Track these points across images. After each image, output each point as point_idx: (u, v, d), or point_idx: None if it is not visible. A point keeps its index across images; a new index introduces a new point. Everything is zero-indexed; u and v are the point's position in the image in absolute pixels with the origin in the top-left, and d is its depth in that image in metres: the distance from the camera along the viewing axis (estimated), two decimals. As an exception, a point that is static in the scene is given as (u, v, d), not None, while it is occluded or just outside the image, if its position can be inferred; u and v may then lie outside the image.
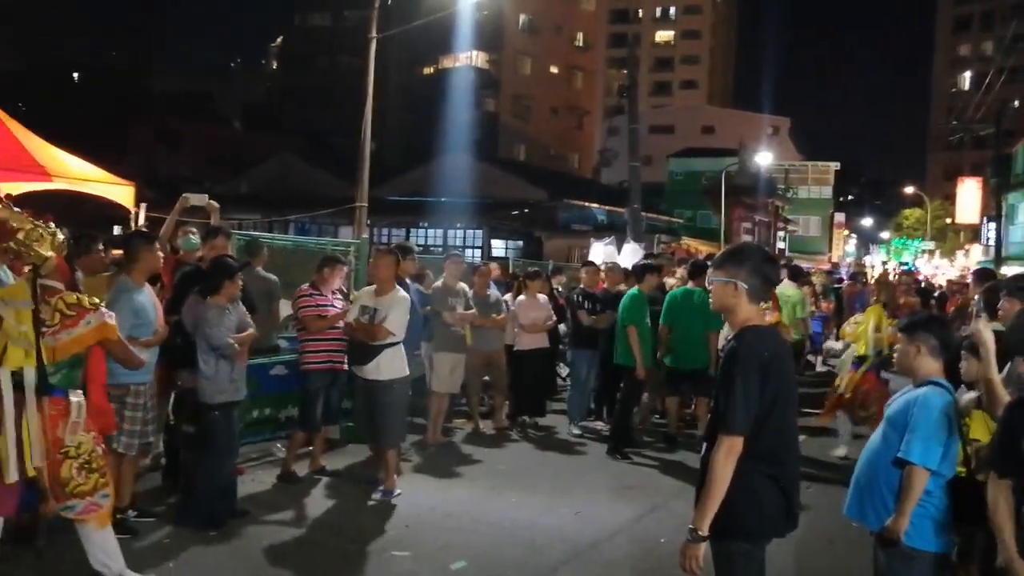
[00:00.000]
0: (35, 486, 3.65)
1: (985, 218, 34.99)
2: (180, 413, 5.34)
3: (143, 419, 4.64)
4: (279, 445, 6.43)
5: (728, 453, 2.61)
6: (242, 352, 4.98)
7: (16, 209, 3.77)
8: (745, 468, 2.62)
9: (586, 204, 28.44)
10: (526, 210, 25.77)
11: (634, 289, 7.59)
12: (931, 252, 38.80)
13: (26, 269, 3.77)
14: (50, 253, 3.70)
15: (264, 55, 73.39)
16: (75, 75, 44.00)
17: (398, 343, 5.59)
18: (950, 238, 45.60)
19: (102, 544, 3.84)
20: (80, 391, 3.74)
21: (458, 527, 5.13)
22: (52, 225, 3.81)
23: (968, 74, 58.87)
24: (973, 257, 34.92)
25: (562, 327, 8.86)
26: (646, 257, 11.26)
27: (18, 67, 41.00)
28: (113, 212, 8.46)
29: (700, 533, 2.63)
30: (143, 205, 7.54)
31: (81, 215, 10.50)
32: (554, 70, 49.34)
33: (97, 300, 3.82)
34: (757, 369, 2.65)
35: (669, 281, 8.83)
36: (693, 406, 8.07)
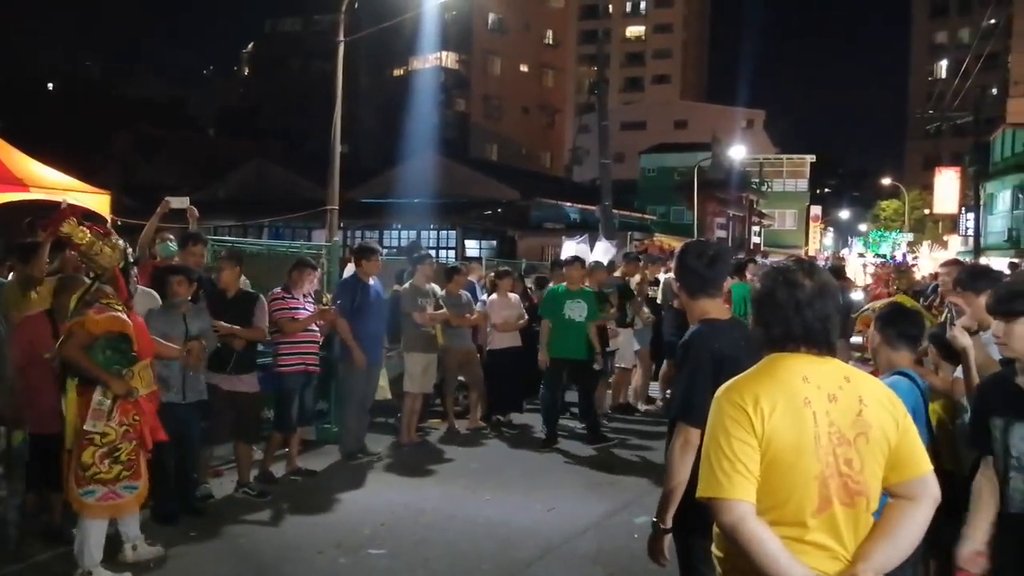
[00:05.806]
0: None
1: (963, 208, 34.60)
2: None
3: None
4: (255, 447, 6.48)
5: (684, 445, 2.61)
6: (188, 358, 4.92)
7: (81, 225, 4.19)
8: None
9: (558, 202, 28.46)
10: (499, 209, 25.75)
11: (559, 285, 7.72)
12: (908, 243, 38.75)
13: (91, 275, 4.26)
14: (109, 264, 4.13)
15: (237, 62, 72.74)
16: (49, 85, 43.34)
17: None
18: (929, 229, 45.69)
19: (94, 535, 4.02)
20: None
21: (433, 524, 5.22)
22: (113, 238, 4.22)
23: (945, 62, 57.81)
24: (952, 248, 34.90)
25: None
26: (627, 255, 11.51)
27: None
28: (93, 221, 8.46)
29: (661, 526, 2.64)
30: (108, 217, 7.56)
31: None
32: (524, 69, 49.36)
33: (120, 306, 4.14)
34: (708, 361, 2.69)
35: (635, 279, 9.08)
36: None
